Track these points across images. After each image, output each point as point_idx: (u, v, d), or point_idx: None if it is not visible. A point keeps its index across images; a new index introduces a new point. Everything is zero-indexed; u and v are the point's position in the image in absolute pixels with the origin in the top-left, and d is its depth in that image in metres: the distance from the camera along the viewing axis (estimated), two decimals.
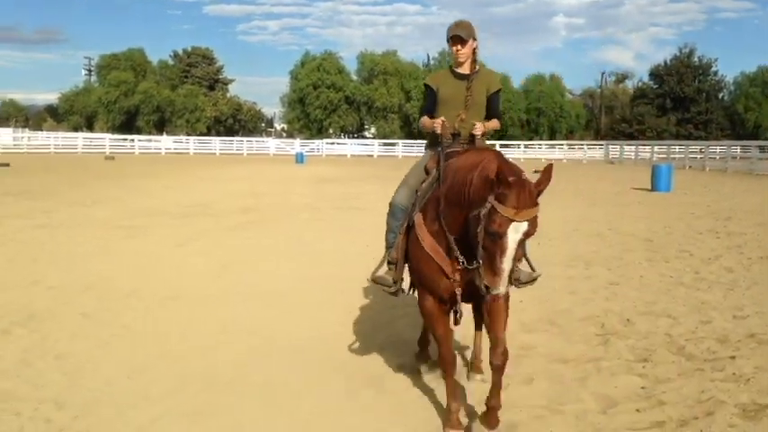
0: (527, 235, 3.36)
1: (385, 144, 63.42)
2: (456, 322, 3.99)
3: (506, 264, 3.34)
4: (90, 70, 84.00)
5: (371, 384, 4.73)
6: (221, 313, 6.61)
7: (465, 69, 4.59)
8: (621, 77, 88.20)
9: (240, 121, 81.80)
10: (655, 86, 77.67)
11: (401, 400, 4.46)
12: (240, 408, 4.32)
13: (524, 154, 58.65)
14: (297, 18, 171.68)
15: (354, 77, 76.50)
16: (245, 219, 14.23)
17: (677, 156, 44.79)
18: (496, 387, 3.94)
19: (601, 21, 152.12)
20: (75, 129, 72.44)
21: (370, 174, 31.96)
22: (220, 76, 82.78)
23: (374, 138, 72.26)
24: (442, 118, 4.43)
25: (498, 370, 3.94)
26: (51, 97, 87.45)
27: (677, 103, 75.29)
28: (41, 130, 73.35)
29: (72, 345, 5.55)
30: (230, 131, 77.54)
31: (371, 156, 58.45)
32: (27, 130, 72.80)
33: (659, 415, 4.15)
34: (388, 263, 4.48)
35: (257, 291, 7.51)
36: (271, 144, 63.00)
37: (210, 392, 4.57)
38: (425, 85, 4.71)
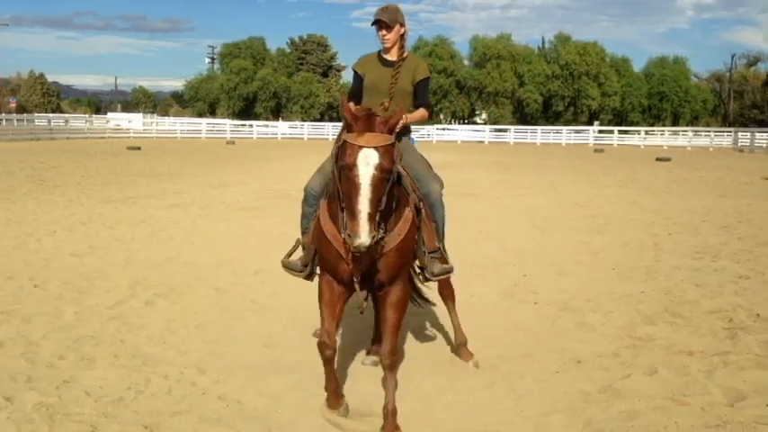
0: (381, 170, 3.29)
1: (497, 130, 62.60)
2: (361, 311, 3.86)
3: (363, 204, 3.25)
4: (213, 58, 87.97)
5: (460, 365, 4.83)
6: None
7: (392, 56, 4.44)
8: (753, 60, 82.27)
9: None
10: None
11: (513, 386, 4.53)
12: (367, 376, 4.54)
13: (645, 141, 56.21)
14: (410, 3, 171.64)
15: (466, 62, 75.81)
16: None
17: None
18: (389, 388, 3.85)
19: (732, 0, 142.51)
20: (200, 114, 76.22)
21: (482, 160, 31.74)
22: (334, 63, 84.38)
23: (485, 123, 71.48)
24: (352, 106, 4.20)
25: (387, 369, 3.87)
26: (176, 84, 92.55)
27: None
28: (168, 116, 77.68)
29: (209, 316, 6.00)
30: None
31: (482, 142, 57.91)
32: (155, 115, 77.31)
33: None
34: (303, 248, 4.34)
35: None
36: None
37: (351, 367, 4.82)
38: (353, 71, 4.57)
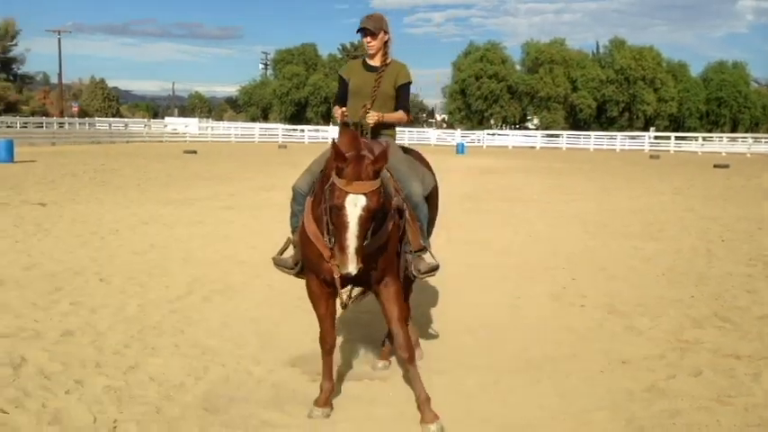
0: (368, 211, 3.44)
1: (548, 135, 61.96)
2: (343, 306, 3.96)
3: (350, 240, 3.42)
4: (266, 64, 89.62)
5: (535, 367, 4.93)
6: None
7: (376, 62, 4.61)
8: None
9: None
10: None
11: (565, 384, 4.62)
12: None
13: (702, 147, 54.81)
14: (461, 9, 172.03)
15: (518, 67, 75.31)
16: None
17: None
18: (414, 380, 3.96)
19: None
20: (253, 119, 77.67)
21: (533, 165, 31.55)
22: None
23: (537, 129, 70.83)
24: (343, 109, 4.47)
25: (407, 363, 3.97)
26: (230, 90, 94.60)
27: None
28: (222, 121, 79.38)
29: (263, 311, 6.25)
30: None
31: (534, 147, 57.40)
32: (210, 120, 79.11)
33: None
34: (293, 246, 4.45)
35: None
36: (431, 135, 63.73)
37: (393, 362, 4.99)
38: (339, 76, 4.77)
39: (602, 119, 72.46)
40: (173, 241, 9.76)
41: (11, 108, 68.21)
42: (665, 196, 18.13)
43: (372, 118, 4.37)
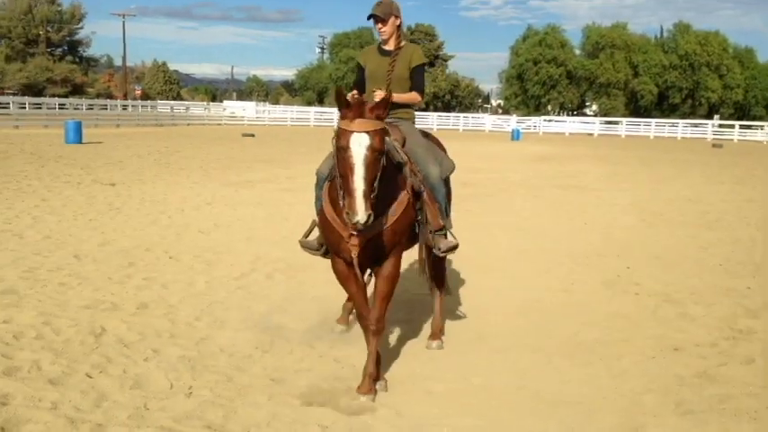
0: (372, 150, 3.57)
1: (607, 122, 60.76)
2: (366, 283, 4.15)
3: (358, 183, 3.53)
4: (323, 48, 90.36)
5: (586, 351, 5.06)
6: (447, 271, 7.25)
7: (390, 46, 4.72)
8: None
9: (457, 98, 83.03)
10: None
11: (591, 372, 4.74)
12: (464, 351, 4.90)
13: None
14: None
15: (577, 52, 73.91)
16: (465, 192, 14.80)
17: None
18: (371, 353, 4.12)
19: None
20: (308, 103, 78.46)
21: (590, 153, 31.12)
22: (440, 53, 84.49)
23: (595, 115, 69.49)
24: (354, 92, 4.38)
25: (372, 335, 4.13)
26: (287, 73, 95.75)
27: None
28: (278, 104, 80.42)
29: (324, 290, 6.48)
30: (447, 107, 79.04)
31: (591, 134, 56.42)
32: (267, 103, 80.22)
33: None
34: (318, 228, 4.56)
35: (481, 260, 8.01)
36: (487, 120, 63.27)
37: (447, 340, 5.20)
38: (357, 62, 4.89)
39: (663, 106, 70.62)
40: (235, 221, 10.16)
41: (77, 90, 70.52)
42: (724, 186, 17.75)
43: (379, 95, 4.31)
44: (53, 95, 59.77)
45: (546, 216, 11.67)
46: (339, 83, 77.60)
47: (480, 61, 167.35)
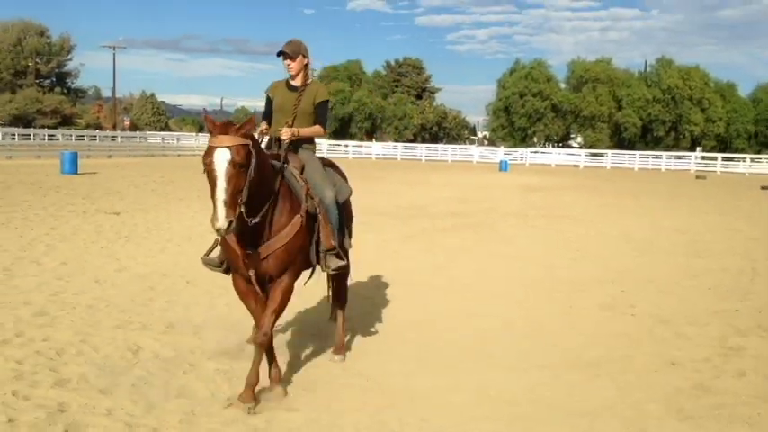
0: (233, 164, 3.86)
1: (592, 154, 61.79)
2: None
3: (219, 193, 3.83)
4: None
5: (583, 366, 5.44)
6: (443, 299, 7.67)
7: (298, 82, 5.12)
8: None
9: (445, 129, 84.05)
10: None
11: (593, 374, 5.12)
12: (478, 368, 5.26)
13: (750, 169, 54.07)
14: (505, 26, 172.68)
15: (562, 85, 75.33)
16: (458, 222, 15.31)
17: None
18: (254, 364, 4.41)
19: None
20: None
21: (578, 184, 31.78)
22: (428, 86, 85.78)
23: (580, 147, 70.64)
24: (264, 125, 4.96)
25: (259, 346, 4.42)
26: None
27: None
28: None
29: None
30: (435, 139, 80.00)
31: (577, 166, 57.37)
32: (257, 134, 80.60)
33: None
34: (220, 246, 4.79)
35: (483, 288, 8.41)
36: (474, 152, 64.15)
37: (462, 358, 5.57)
38: (266, 95, 5.26)
39: (647, 138, 71.93)
40: None
41: (66, 121, 70.77)
42: (710, 216, 18.34)
43: (286, 134, 4.83)
44: (42, 126, 59.97)
45: (540, 245, 12.11)
46: (328, 114, 78.47)
47: (466, 94, 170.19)
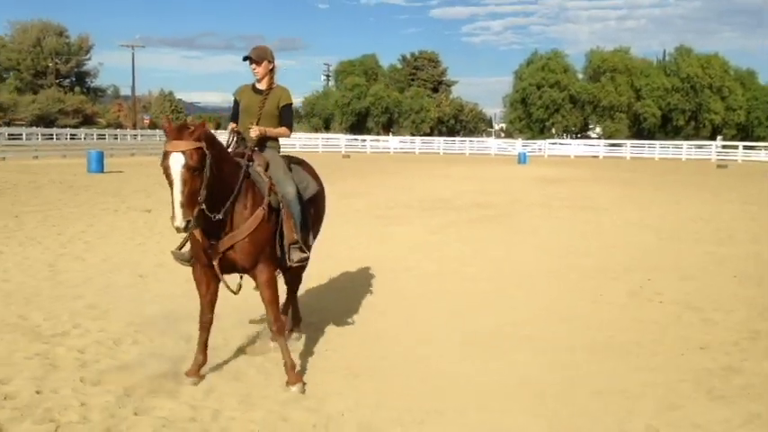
0: (187, 167, 4.08)
1: (612, 145, 61.57)
2: (235, 292, 4.89)
3: (176, 195, 4.07)
4: (328, 75, 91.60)
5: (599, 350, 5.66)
6: (480, 287, 7.89)
7: (263, 86, 5.34)
8: None
9: (461, 122, 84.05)
10: None
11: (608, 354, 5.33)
12: (514, 350, 5.50)
13: None
14: (521, 17, 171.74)
15: (580, 76, 74.98)
16: (484, 213, 15.51)
17: None
18: (282, 349, 4.76)
19: None
20: (315, 129, 79.51)
21: (598, 175, 31.79)
22: (444, 78, 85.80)
23: (599, 138, 70.36)
24: (233, 125, 5.27)
25: (277, 334, 4.78)
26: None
27: None
28: None
29: (370, 298, 7.14)
30: (452, 132, 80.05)
31: (596, 156, 57.22)
32: None
33: None
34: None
35: (513, 277, 8.63)
36: (492, 144, 64.12)
37: (499, 342, 5.80)
38: (233, 97, 5.50)
39: (667, 128, 71.45)
40: None
41: (87, 120, 71.64)
42: (734, 205, 18.39)
43: (254, 132, 5.12)
44: (64, 126, 60.79)
45: (566, 235, 12.27)
46: (345, 109, 78.81)
47: (482, 86, 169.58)
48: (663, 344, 5.79)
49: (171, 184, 4.13)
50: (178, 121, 4.58)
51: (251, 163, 4.94)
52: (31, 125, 57.88)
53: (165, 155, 4.18)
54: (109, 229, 11.76)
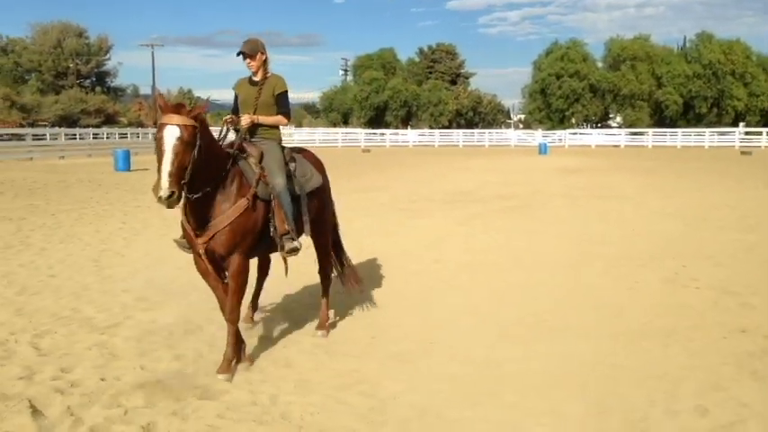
0: (181, 141, 4.23)
1: (633, 133, 61.09)
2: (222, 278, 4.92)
3: (165, 165, 4.20)
4: (346, 70, 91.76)
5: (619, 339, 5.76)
6: (512, 276, 8.01)
7: (258, 77, 5.45)
8: None
9: (480, 114, 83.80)
10: None
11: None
12: (554, 337, 5.61)
13: None
14: (538, 6, 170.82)
15: (600, 64, 74.40)
16: (508, 204, 15.58)
17: None
18: (228, 338, 4.84)
19: None
20: (333, 124, 79.73)
21: (621, 164, 31.65)
22: (462, 71, 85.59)
23: (620, 127, 69.84)
24: (229, 116, 5.35)
25: (229, 323, 4.87)
26: (307, 96, 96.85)
27: None
28: (302, 127, 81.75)
29: (406, 288, 7.27)
30: (470, 124, 79.85)
31: (617, 146, 56.85)
32: (292, 126, 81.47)
33: None
34: None
35: (544, 266, 8.72)
36: (512, 135, 63.94)
37: (538, 329, 5.92)
38: (233, 91, 5.62)
39: (689, 115, 70.72)
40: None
41: (109, 120, 72.42)
42: (759, 191, 18.29)
43: (245, 120, 5.25)
44: (87, 126, 61.51)
45: (593, 224, 12.32)
46: (363, 103, 78.92)
47: (500, 77, 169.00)
48: (702, 329, 5.87)
49: (161, 154, 4.27)
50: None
51: (241, 153, 5.07)
52: (54, 125, 58.61)
53: (161, 126, 4.34)
54: (143, 226, 12.01)
